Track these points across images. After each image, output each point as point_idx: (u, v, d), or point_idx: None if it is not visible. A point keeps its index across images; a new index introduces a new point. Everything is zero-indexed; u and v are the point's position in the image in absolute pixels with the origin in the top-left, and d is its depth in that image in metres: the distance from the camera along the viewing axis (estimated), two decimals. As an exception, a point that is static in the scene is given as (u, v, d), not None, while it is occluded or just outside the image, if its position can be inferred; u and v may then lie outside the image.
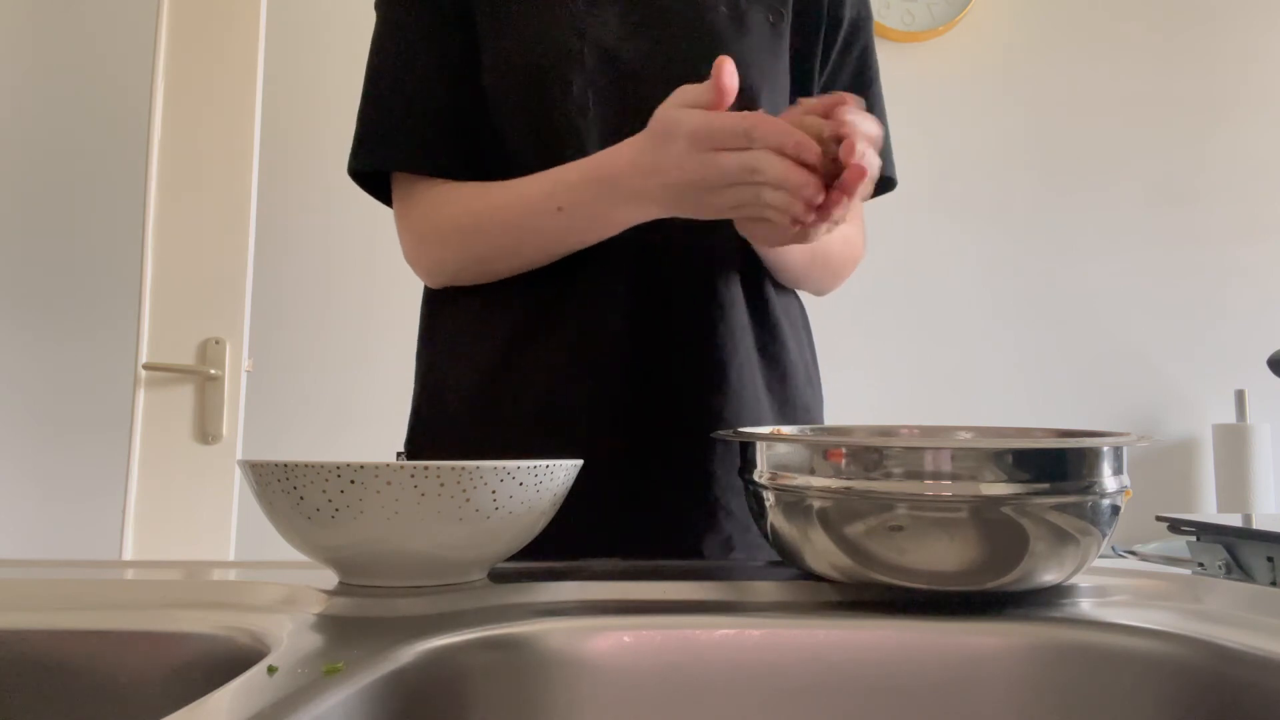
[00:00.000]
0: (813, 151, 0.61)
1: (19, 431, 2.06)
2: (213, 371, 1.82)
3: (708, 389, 0.80)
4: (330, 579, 0.56)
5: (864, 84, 0.92)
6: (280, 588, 0.54)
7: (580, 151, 0.79)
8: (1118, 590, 0.55)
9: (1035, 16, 2.28)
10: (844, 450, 0.51)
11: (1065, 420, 2.19)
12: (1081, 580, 0.56)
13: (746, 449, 0.58)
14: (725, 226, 0.73)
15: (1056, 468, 0.49)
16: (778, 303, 0.87)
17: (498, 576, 0.57)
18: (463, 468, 0.50)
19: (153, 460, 1.83)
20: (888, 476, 0.49)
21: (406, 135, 0.83)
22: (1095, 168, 2.26)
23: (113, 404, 2.03)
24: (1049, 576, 0.51)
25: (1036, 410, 2.20)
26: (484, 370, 0.83)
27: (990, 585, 0.50)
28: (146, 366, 1.96)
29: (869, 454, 0.50)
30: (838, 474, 0.51)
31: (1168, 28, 2.30)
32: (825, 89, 0.89)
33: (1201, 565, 0.99)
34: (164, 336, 1.92)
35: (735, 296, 0.82)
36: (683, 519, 0.80)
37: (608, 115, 0.80)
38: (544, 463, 0.54)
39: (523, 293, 0.82)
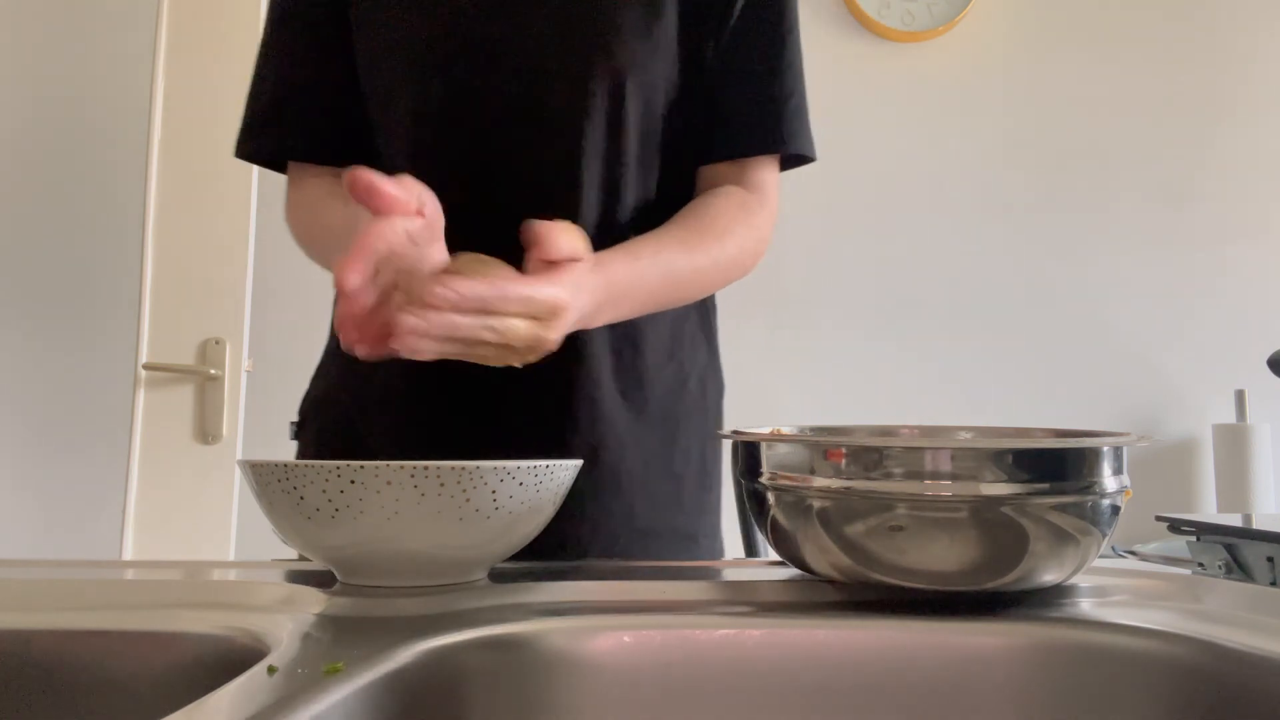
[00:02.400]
0: (346, 280, 0.54)
1: (19, 432, 2.06)
2: (213, 371, 1.82)
3: (555, 392, 0.77)
4: (330, 579, 0.56)
5: (775, 43, 0.85)
6: (280, 588, 0.54)
7: (432, 145, 0.78)
8: (1118, 590, 0.55)
9: (1035, 16, 2.28)
10: (844, 450, 0.51)
11: (1065, 420, 2.19)
12: (1081, 580, 0.56)
13: (747, 449, 0.58)
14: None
15: (1056, 468, 0.49)
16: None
17: (498, 576, 0.57)
18: (463, 468, 0.50)
19: (153, 461, 1.83)
20: (888, 476, 0.49)
21: (281, 125, 0.84)
22: (1095, 167, 2.26)
23: (113, 404, 2.03)
24: (1049, 576, 0.51)
25: (1036, 410, 2.20)
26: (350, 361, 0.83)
27: (990, 585, 0.50)
28: (146, 366, 1.96)
29: (869, 454, 0.50)
30: (838, 474, 0.51)
31: (1168, 27, 2.30)
32: (727, 50, 0.83)
33: (1201, 565, 0.99)
34: (164, 336, 1.92)
35: None
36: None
37: (462, 103, 0.78)
38: (544, 463, 0.54)
39: None
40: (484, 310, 0.56)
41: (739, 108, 0.83)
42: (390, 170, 0.80)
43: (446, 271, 0.58)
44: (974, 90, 2.26)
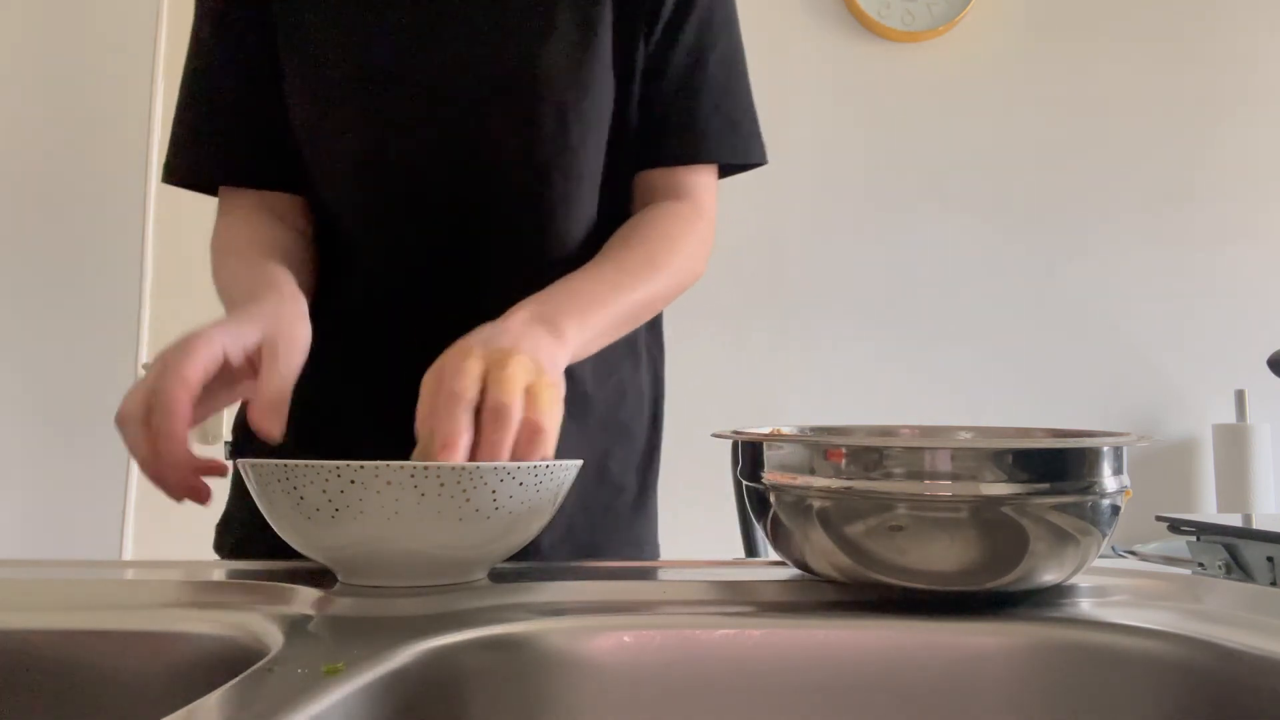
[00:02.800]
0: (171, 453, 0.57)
1: (19, 431, 2.06)
2: (213, 371, 1.82)
3: None
4: (330, 579, 0.56)
5: (699, 54, 0.83)
6: (280, 588, 0.54)
7: (360, 178, 0.78)
8: (1118, 590, 0.55)
9: (1035, 16, 2.28)
10: (844, 450, 0.51)
11: (1065, 420, 2.19)
12: (1081, 580, 0.56)
13: (748, 449, 0.58)
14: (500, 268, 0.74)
15: (1056, 468, 0.49)
16: None
17: (498, 576, 0.57)
18: (463, 468, 0.50)
19: (153, 460, 1.83)
20: (888, 476, 0.49)
21: (207, 150, 0.82)
22: (1095, 167, 2.26)
23: (113, 404, 2.02)
24: (1049, 576, 0.51)
25: (1036, 410, 2.20)
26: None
27: (990, 585, 0.50)
28: (146, 367, 1.96)
29: (869, 454, 0.50)
30: (838, 474, 0.51)
31: (1168, 27, 2.30)
32: (654, 59, 0.82)
33: (1201, 565, 0.99)
34: (164, 336, 1.91)
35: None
36: None
37: (402, 137, 0.77)
38: (544, 463, 0.54)
39: (340, 311, 0.80)
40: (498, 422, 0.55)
41: (666, 116, 0.83)
42: (333, 209, 0.81)
43: None
44: (974, 90, 2.26)
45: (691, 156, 0.83)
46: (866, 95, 2.25)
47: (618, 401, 0.85)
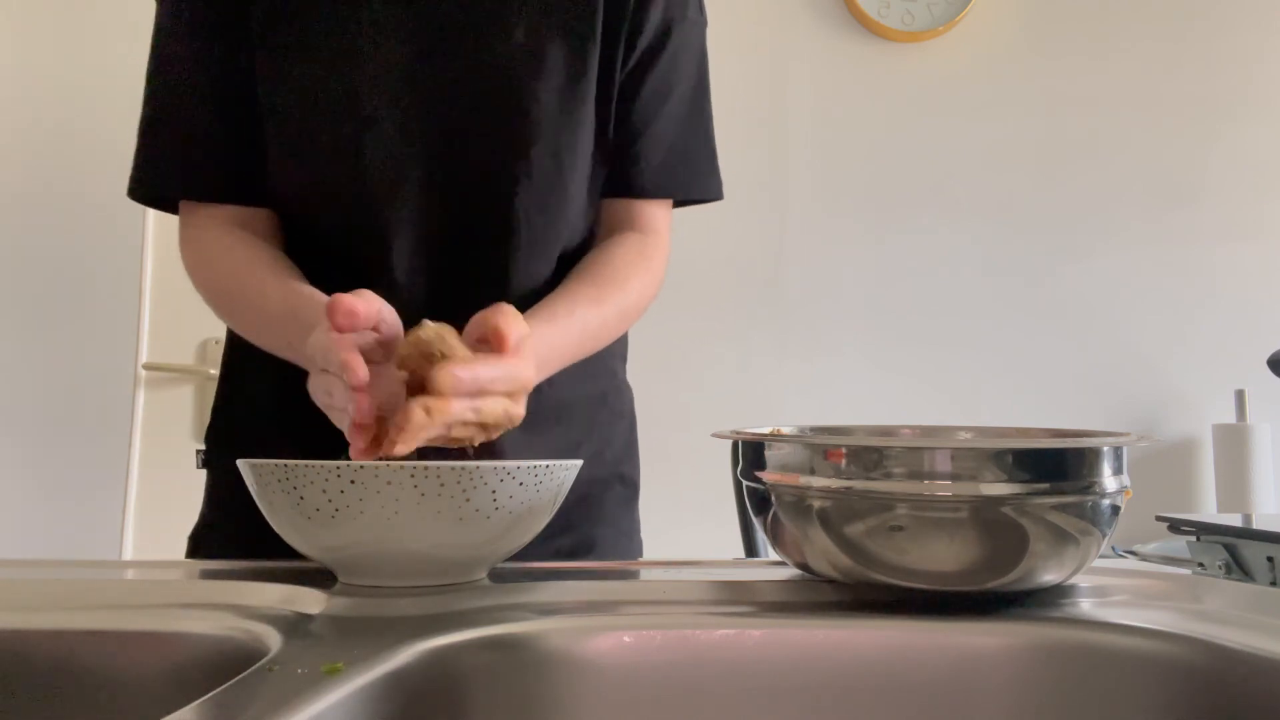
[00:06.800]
0: (357, 375, 0.56)
1: (19, 431, 2.06)
2: (212, 371, 1.82)
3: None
4: (330, 579, 0.56)
5: (666, 91, 0.85)
6: (280, 588, 0.54)
7: (348, 184, 0.77)
8: (1118, 590, 0.55)
9: (1035, 16, 2.28)
10: (844, 450, 0.51)
11: (1065, 420, 2.19)
12: (1081, 580, 0.56)
13: (748, 449, 0.58)
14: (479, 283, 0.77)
15: (1056, 468, 0.49)
16: None
17: (498, 576, 0.57)
18: (463, 468, 0.50)
19: (153, 460, 1.83)
20: (888, 476, 0.49)
21: (182, 164, 0.80)
22: (1095, 167, 2.26)
23: (113, 404, 2.03)
24: (1049, 576, 0.51)
25: (1036, 410, 2.20)
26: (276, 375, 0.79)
27: (990, 585, 0.50)
28: (146, 366, 1.97)
29: (869, 454, 0.50)
30: (838, 474, 0.51)
31: (1169, 27, 2.30)
32: (621, 94, 0.83)
33: (1201, 565, 1.00)
34: (164, 336, 1.92)
35: None
36: None
37: (379, 152, 0.77)
38: (544, 463, 0.54)
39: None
40: (478, 392, 0.57)
41: (632, 148, 0.85)
42: (309, 235, 0.81)
43: (418, 349, 0.58)
44: (974, 90, 2.26)
45: (655, 191, 0.86)
46: (866, 95, 2.25)
47: (599, 405, 0.88)
